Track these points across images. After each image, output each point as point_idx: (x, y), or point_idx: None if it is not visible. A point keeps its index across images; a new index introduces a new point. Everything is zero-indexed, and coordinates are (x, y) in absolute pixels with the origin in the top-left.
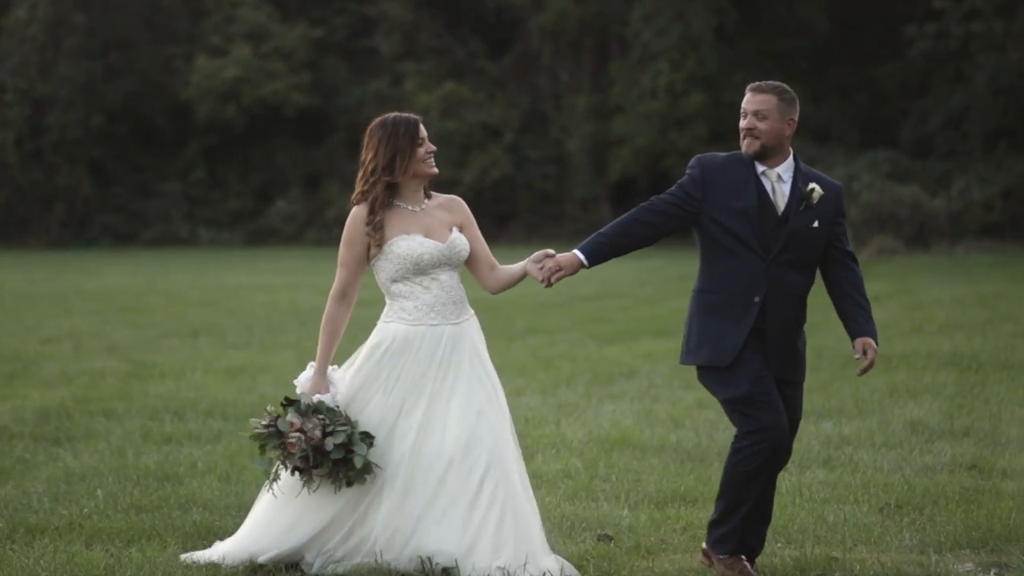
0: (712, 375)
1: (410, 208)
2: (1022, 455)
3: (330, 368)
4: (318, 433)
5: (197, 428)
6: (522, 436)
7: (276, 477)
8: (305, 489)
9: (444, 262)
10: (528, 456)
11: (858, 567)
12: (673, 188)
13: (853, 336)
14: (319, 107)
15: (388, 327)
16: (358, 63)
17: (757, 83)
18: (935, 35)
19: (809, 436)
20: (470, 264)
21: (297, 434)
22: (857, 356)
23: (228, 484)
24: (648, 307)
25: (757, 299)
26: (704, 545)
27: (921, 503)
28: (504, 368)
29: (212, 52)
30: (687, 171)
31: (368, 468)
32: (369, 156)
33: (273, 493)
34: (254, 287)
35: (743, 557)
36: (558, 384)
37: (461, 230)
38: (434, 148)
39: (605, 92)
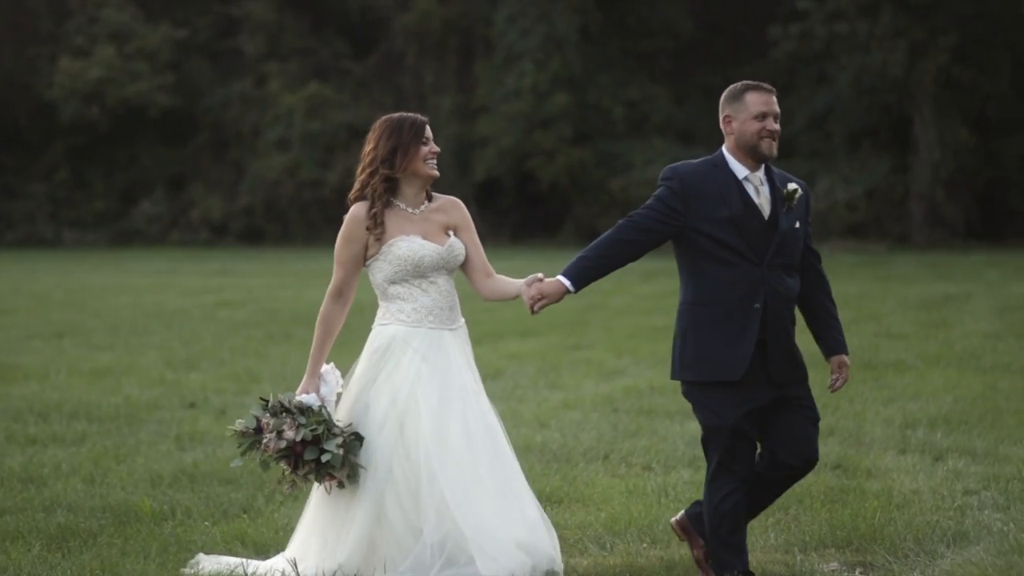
0: (709, 392)
1: (409, 210)
2: (886, 455)
3: (327, 366)
4: (290, 433)
5: (61, 430)
6: None
7: (288, 480)
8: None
9: (442, 266)
10: None
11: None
12: (651, 202)
13: (828, 354)
14: (183, 108)
15: (386, 329)
16: (222, 64)
17: (762, 83)
18: (799, 36)
19: (675, 436)
20: (465, 268)
21: (271, 434)
22: (833, 376)
23: (92, 486)
24: (513, 308)
25: (757, 306)
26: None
27: (786, 502)
28: None
29: (76, 53)
30: (662, 183)
31: (350, 467)
32: (369, 148)
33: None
34: (119, 288)
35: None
36: None
37: (456, 232)
38: (438, 150)
39: (470, 92)
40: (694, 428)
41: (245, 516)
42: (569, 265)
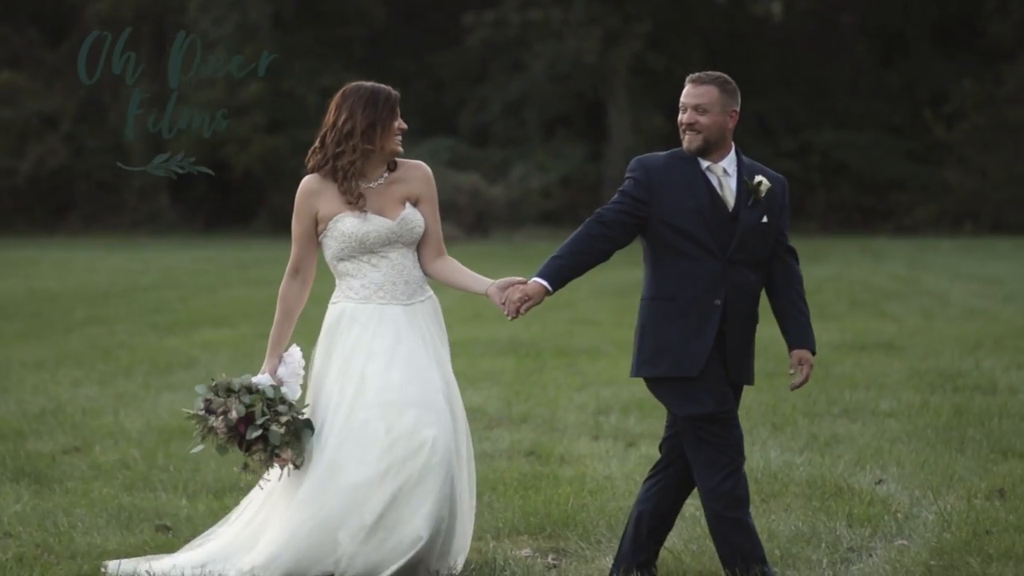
0: (673, 387)
1: (366, 185)
2: (580, 441)
3: (292, 348)
4: (233, 414)
5: None
6: (80, 427)
7: (246, 466)
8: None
9: (395, 240)
10: (86, 447)
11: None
12: (617, 196)
13: (790, 347)
14: None
15: (335, 307)
16: None
17: (697, 74)
18: (493, 23)
19: None
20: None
21: (221, 416)
22: (792, 371)
23: None
24: (207, 296)
25: (718, 302)
26: None
27: (480, 490)
28: (62, 359)
29: None
30: (628, 175)
31: (297, 449)
32: (342, 118)
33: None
34: None
35: None
36: (116, 374)
37: (416, 204)
38: (405, 127)
39: (163, 81)
40: None
41: None
42: (543, 266)
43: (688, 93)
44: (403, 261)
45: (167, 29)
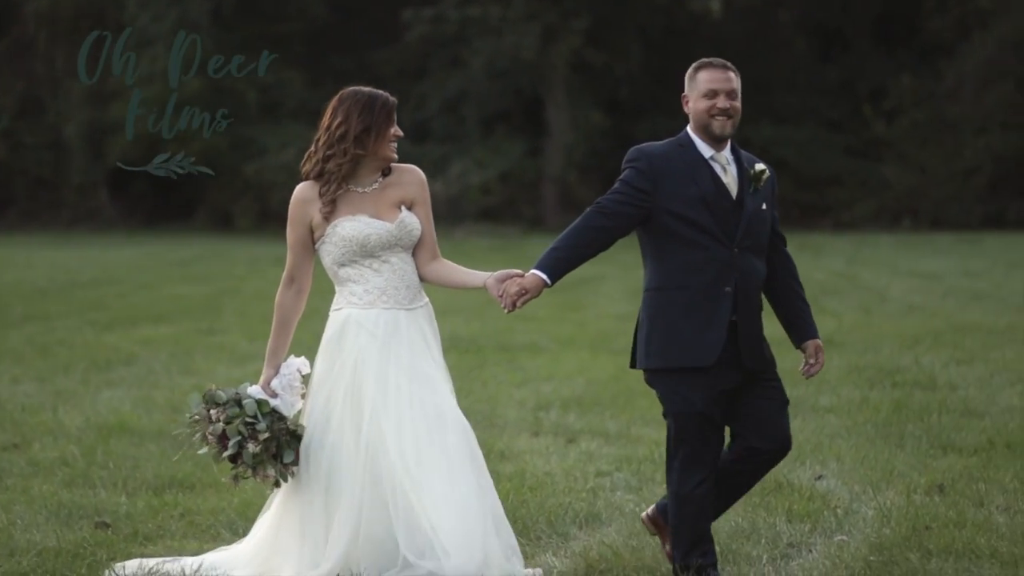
0: (676, 380)
1: (360, 190)
2: (520, 437)
3: (291, 359)
4: (220, 426)
5: None
6: (19, 424)
7: (231, 473)
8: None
9: (394, 243)
10: (25, 444)
11: None
12: (618, 186)
13: (803, 339)
14: None
15: (339, 314)
16: None
17: (718, 60)
18: (432, 19)
19: None
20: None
21: (213, 425)
22: (810, 361)
23: None
24: (146, 293)
25: (728, 289)
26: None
27: None
28: (0, 356)
29: None
30: (628, 165)
31: (278, 468)
32: (336, 122)
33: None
34: None
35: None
36: (55, 371)
37: (411, 207)
38: (401, 133)
39: (103, 77)
40: None
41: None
42: (541, 258)
43: (720, 79)
44: (403, 265)
45: (106, 25)
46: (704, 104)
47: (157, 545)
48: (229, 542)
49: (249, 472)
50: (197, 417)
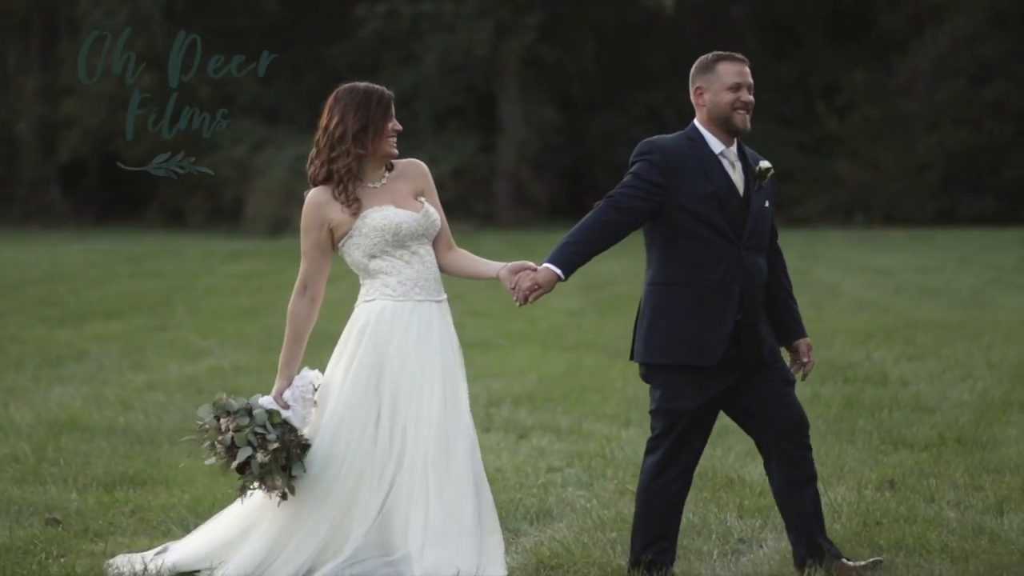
0: (674, 377)
1: (371, 185)
2: None
3: (304, 371)
4: (229, 437)
5: None
6: None
7: (244, 488)
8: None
9: (421, 233)
10: None
11: None
12: (630, 179)
13: (793, 338)
14: None
15: (372, 305)
16: None
17: (736, 54)
18: (384, 15)
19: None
20: None
21: (220, 435)
22: (804, 359)
23: None
24: (98, 289)
25: (736, 288)
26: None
27: None
28: None
29: None
30: (641, 158)
31: (285, 480)
32: (334, 122)
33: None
34: None
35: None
36: (6, 368)
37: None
38: (400, 128)
39: (55, 73)
40: None
41: None
42: (554, 252)
43: (742, 72)
44: (429, 257)
45: (57, 21)
46: (729, 97)
47: (108, 542)
48: (179, 538)
49: (256, 483)
50: (207, 427)
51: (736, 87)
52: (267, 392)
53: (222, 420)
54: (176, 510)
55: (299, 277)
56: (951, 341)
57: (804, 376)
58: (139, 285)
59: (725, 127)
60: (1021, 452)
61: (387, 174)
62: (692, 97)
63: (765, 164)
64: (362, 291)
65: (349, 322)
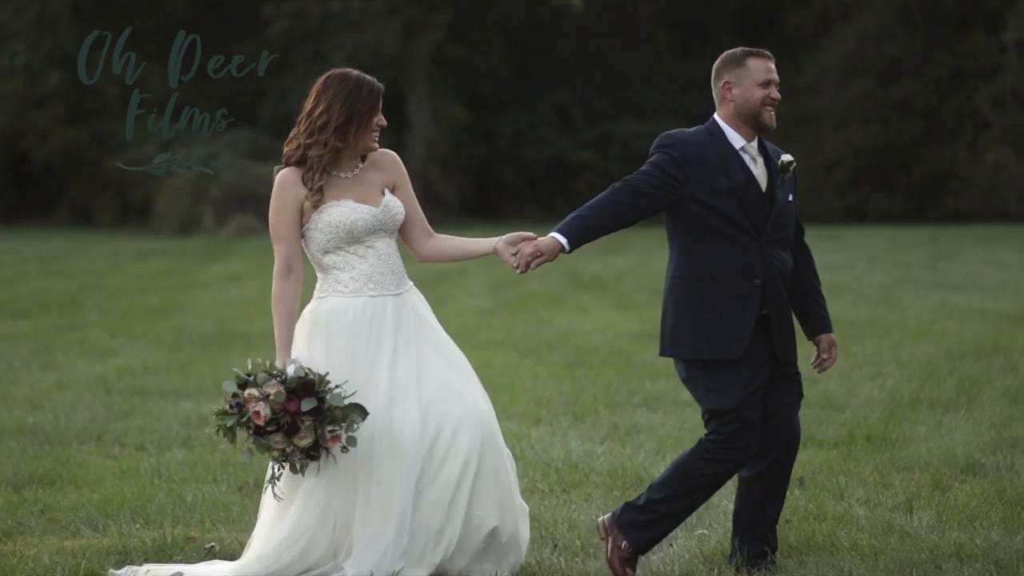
0: (707, 371)
1: (342, 176)
2: None
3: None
4: (282, 392)
5: None
6: None
7: (275, 476)
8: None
9: (379, 228)
10: None
11: (217, 546)
12: (648, 168)
13: (817, 332)
14: None
15: (323, 303)
16: None
17: (763, 50)
18: (293, 14)
19: (168, 416)
20: (402, 228)
21: (260, 402)
22: (824, 355)
23: None
24: (6, 288)
25: (757, 282)
26: (604, 517)
27: None
28: None
29: None
30: (660, 150)
31: (349, 424)
32: (319, 109)
33: (275, 495)
34: None
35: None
36: None
37: (393, 190)
38: (384, 122)
39: None
40: (187, 407)
41: None
42: (565, 222)
43: (772, 69)
44: (388, 250)
45: None
46: (760, 93)
47: (16, 542)
48: (89, 539)
49: (307, 444)
50: (233, 406)
51: (767, 83)
52: (180, 392)
53: (268, 382)
54: (85, 509)
55: (279, 261)
56: (860, 339)
57: (821, 370)
58: (47, 284)
59: (753, 123)
60: (930, 450)
61: (360, 165)
62: (718, 91)
63: (787, 157)
64: (317, 286)
65: (300, 319)
